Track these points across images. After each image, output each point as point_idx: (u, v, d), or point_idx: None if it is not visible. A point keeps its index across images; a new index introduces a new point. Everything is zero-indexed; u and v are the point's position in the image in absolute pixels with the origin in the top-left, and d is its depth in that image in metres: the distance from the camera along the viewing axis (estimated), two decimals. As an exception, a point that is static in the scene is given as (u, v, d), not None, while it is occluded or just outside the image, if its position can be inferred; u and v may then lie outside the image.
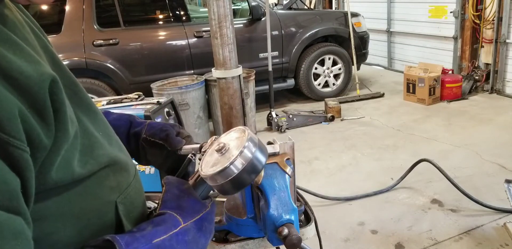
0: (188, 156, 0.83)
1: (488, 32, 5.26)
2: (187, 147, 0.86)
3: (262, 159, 0.66)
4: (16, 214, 0.43)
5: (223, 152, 0.66)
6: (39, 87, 0.46)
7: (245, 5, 5.04)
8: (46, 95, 0.47)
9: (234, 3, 5.47)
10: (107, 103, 2.47)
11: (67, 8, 4.12)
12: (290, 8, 5.89)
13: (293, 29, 5.05)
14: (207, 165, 0.68)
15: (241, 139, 0.67)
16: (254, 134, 0.67)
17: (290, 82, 5.22)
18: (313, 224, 0.97)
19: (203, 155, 0.74)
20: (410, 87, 5.14)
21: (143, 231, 0.58)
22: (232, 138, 0.70)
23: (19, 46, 0.49)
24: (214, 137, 0.78)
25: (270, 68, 4.44)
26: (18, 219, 0.43)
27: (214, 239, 0.92)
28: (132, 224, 0.65)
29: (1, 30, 0.48)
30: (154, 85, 4.00)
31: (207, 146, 0.76)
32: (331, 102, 4.77)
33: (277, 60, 4.93)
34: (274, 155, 0.83)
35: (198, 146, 0.82)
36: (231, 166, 0.63)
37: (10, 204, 0.42)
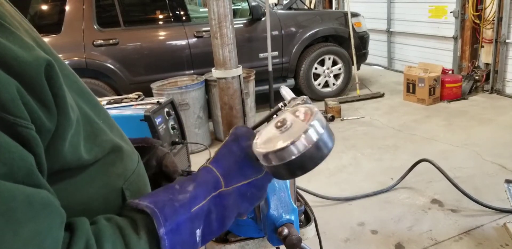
0: (279, 105, 0.76)
1: (488, 32, 5.26)
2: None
3: (330, 143, 0.56)
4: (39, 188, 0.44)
5: (283, 130, 0.57)
6: (35, 72, 0.46)
7: (245, 5, 5.04)
8: (43, 79, 0.47)
9: (234, 3, 5.47)
10: (107, 103, 2.47)
11: (67, 8, 4.12)
12: (290, 8, 5.88)
13: (293, 29, 5.05)
14: (263, 138, 0.59)
15: (307, 117, 0.57)
16: (323, 117, 0.58)
17: (290, 82, 5.21)
18: (313, 224, 0.97)
19: (286, 109, 0.67)
20: (410, 87, 5.13)
21: (184, 194, 0.57)
22: (297, 115, 0.60)
23: (10, 31, 0.49)
24: (304, 97, 0.69)
25: (270, 68, 4.44)
26: (43, 191, 0.44)
27: (214, 239, 0.92)
28: None
29: None
30: (154, 85, 4.00)
31: (292, 104, 0.68)
32: (331, 102, 4.77)
33: (277, 60, 4.93)
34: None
35: (289, 98, 0.75)
36: (292, 146, 0.53)
37: (30, 179, 0.44)
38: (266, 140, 0.58)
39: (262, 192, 0.66)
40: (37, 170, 0.45)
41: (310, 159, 0.54)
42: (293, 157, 0.54)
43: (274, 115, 0.72)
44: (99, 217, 0.52)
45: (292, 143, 0.53)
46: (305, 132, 0.54)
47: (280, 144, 0.54)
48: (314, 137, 0.54)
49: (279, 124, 0.58)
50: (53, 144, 0.49)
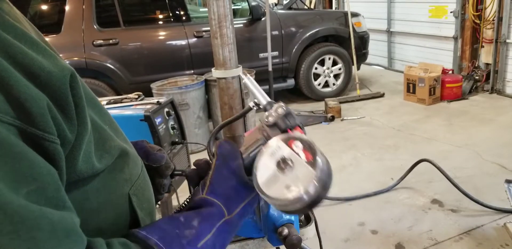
0: (249, 104, 0.76)
1: (488, 32, 5.26)
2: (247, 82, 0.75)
3: (330, 184, 0.57)
4: (63, 207, 0.44)
5: (287, 171, 0.58)
6: (61, 82, 0.46)
7: (245, 5, 5.03)
8: (68, 90, 0.47)
9: (234, 3, 5.46)
10: (107, 103, 2.47)
11: (67, 8, 4.12)
12: (290, 8, 5.88)
13: (293, 29, 5.05)
14: (263, 176, 0.60)
15: (309, 157, 0.58)
16: (321, 151, 0.59)
17: (290, 82, 5.21)
18: (313, 224, 0.97)
19: (267, 124, 0.65)
20: (410, 87, 5.13)
21: (190, 230, 0.58)
22: (296, 151, 0.60)
23: (35, 41, 0.48)
24: (281, 105, 0.67)
25: (270, 68, 4.43)
26: (68, 215, 0.44)
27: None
28: (146, 214, 0.65)
29: (16, 27, 0.47)
30: (154, 85, 3.99)
31: (271, 113, 0.66)
32: (331, 102, 4.77)
33: (277, 60, 4.93)
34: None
35: (264, 102, 0.72)
36: (303, 195, 0.55)
37: (58, 195, 0.44)
38: (269, 180, 0.58)
39: (255, 205, 0.67)
40: (62, 185, 0.45)
41: (318, 200, 0.56)
42: (303, 204, 0.55)
43: (261, 138, 0.68)
44: (114, 241, 0.51)
45: (302, 194, 0.54)
46: (314, 180, 0.55)
47: (291, 194, 0.55)
48: (323, 179, 0.55)
49: (279, 164, 0.58)
50: (71, 154, 0.49)
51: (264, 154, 0.61)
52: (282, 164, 0.58)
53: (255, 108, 0.72)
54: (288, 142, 0.61)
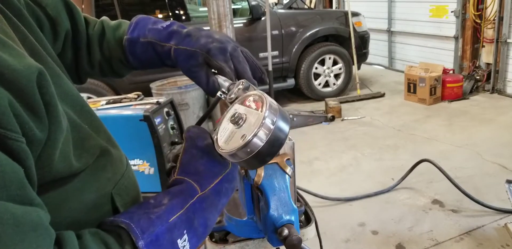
0: (217, 94, 0.75)
1: (489, 32, 5.25)
2: (219, 80, 0.76)
3: (286, 127, 0.58)
4: (29, 203, 0.44)
5: (241, 124, 0.59)
6: (27, 80, 0.45)
7: (245, 4, 5.03)
8: (35, 89, 0.46)
9: (234, 3, 5.46)
10: (106, 103, 2.46)
11: (66, 7, 4.12)
12: (290, 8, 5.88)
13: (293, 28, 5.04)
14: (223, 137, 0.61)
15: (259, 105, 0.59)
16: (272, 99, 0.60)
17: (290, 82, 5.21)
18: (313, 224, 0.96)
19: (230, 101, 0.67)
20: (411, 87, 5.12)
21: (160, 207, 0.57)
22: (248, 105, 0.62)
23: (1, 40, 0.48)
24: (241, 81, 0.69)
25: (270, 68, 4.43)
26: (33, 210, 0.44)
27: (214, 240, 0.91)
28: None
29: None
30: (153, 85, 3.99)
31: (233, 91, 0.68)
32: (332, 102, 4.76)
33: (277, 60, 4.92)
34: (274, 155, 0.81)
35: (227, 84, 0.73)
36: (255, 139, 0.55)
37: (22, 193, 0.43)
38: (227, 138, 0.60)
39: (234, 183, 0.67)
40: (28, 183, 0.44)
41: (276, 142, 0.56)
42: (260, 148, 0.55)
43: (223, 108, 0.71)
44: (85, 231, 0.50)
45: (254, 135, 0.55)
46: (263, 120, 0.55)
47: (243, 140, 0.55)
48: (273, 122, 0.56)
49: (234, 120, 0.59)
50: (44, 154, 0.48)
51: (223, 119, 0.63)
52: (238, 120, 0.59)
53: (223, 96, 0.73)
54: (243, 102, 0.63)
